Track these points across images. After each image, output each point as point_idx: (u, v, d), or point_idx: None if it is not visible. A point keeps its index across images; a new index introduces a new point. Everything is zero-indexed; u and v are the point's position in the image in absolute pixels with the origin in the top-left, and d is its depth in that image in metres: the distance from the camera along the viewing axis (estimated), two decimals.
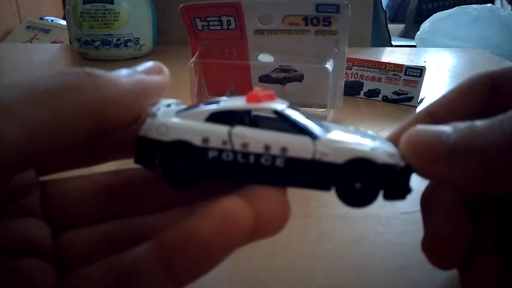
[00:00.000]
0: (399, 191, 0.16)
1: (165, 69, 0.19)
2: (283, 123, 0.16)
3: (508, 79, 0.20)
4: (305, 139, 0.16)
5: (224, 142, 0.16)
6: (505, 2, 1.89)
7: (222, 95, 0.42)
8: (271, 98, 0.17)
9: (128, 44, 0.67)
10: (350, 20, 0.36)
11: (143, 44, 0.69)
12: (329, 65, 0.37)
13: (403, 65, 0.46)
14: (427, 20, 1.66)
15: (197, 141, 0.16)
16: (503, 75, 0.20)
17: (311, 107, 0.41)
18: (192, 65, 0.39)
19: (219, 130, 0.16)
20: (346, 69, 0.44)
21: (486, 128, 0.15)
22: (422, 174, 0.16)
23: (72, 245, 0.18)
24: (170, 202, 0.19)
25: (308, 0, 0.36)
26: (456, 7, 1.61)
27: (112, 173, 0.19)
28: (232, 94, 0.42)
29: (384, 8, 0.99)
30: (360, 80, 0.48)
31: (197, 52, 0.40)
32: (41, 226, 0.17)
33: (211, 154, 0.16)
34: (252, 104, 0.17)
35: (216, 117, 0.17)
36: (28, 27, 1.44)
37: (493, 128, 0.15)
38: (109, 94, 0.15)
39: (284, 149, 0.16)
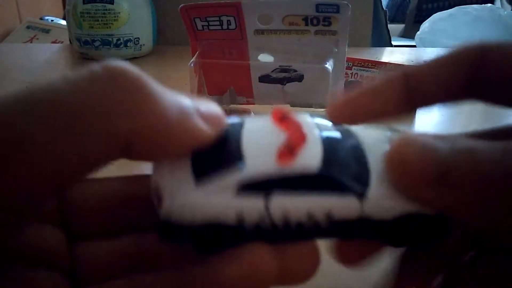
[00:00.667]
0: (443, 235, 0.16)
1: (223, 122, 0.15)
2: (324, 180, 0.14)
3: (501, 55, 0.18)
4: (351, 201, 0.14)
5: (262, 217, 0.14)
6: (505, 2, 1.89)
7: (222, 95, 0.42)
8: (302, 140, 0.14)
9: (128, 44, 0.67)
10: (350, 20, 0.36)
11: (143, 44, 0.69)
12: (329, 65, 0.37)
13: (403, 65, 0.46)
14: (427, 20, 1.66)
15: (231, 221, 0.14)
16: (492, 46, 0.19)
17: (311, 107, 0.41)
18: (192, 65, 0.39)
19: (254, 205, 0.14)
20: (346, 69, 0.44)
21: (487, 156, 0.14)
22: (406, 194, 0.15)
23: (89, 258, 0.16)
24: None
25: (308, 0, 0.36)
26: (456, 7, 1.61)
27: (133, 179, 0.18)
28: (232, 94, 0.42)
29: (384, 8, 0.99)
30: (360, 80, 0.48)
31: (197, 52, 0.40)
32: (56, 234, 0.16)
33: (248, 229, 0.14)
34: (286, 164, 0.14)
35: (247, 187, 0.14)
36: (28, 27, 1.44)
37: (494, 158, 0.14)
38: (144, 126, 0.13)
39: (328, 215, 0.14)
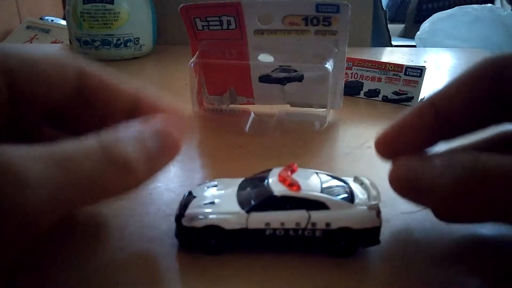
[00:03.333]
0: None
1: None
2: None
3: (510, 66, 0.19)
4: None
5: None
6: (505, 2, 1.89)
7: (222, 95, 0.42)
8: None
9: (128, 44, 0.67)
10: (350, 20, 0.36)
11: (143, 44, 0.69)
12: (329, 65, 0.37)
13: (403, 65, 0.46)
14: (427, 20, 1.65)
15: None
16: (507, 62, 0.19)
17: (311, 107, 0.41)
18: (192, 65, 0.39)
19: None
20: (346, 69, 0.44)
21: (442, 170, 0.18)
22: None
23: None
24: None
25: (308, 0, 0.36)
26: (456, 7, 1.61)
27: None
28: (232, 94, 0.42)
29: (384, 8, 0.99)
30: (360, 80, 0.48)
31: (197, 52, 0.40)
32: None
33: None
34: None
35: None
36: (28, 27, 1.44)
37: (445, 173, 0.18)
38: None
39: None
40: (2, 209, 0.13)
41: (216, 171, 0.32)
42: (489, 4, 1.61)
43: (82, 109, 0.20)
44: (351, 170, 0.31)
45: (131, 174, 0.17)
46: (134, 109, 0.21)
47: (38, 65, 0.18)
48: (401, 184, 0.20)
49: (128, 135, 0.17)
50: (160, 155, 0.18)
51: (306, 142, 0.37)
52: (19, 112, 0.19)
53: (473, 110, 0.20)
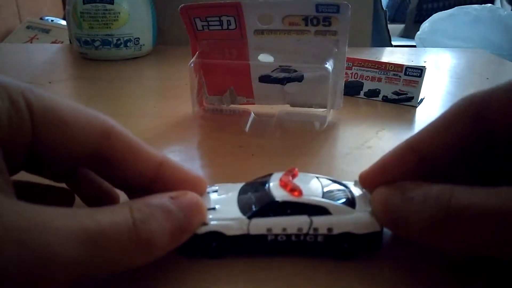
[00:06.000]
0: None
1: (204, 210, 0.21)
2: None
3: (490, 103, 0.19)
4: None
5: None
6: (505, 2, 1.89)
7: (222, 95, 0.42)
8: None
9: (128, 44, 0.67)
10: (350, 20, 0.36)
11: (143, 44, 0.69)
12: (329, 65, 0.37)
13: (403, 65, 0.46)
14: (427, 20, 1.66)
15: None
16: (485, 100, 0.19)
17: (311, 107, 0.41)
18: (192, 65, 0.39)
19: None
20: (346, 69, 0.44)
21: (419, 205, 0.18)
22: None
23: None
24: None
25: (308, 0, 0.36)
26: (456, 7, 1.61)
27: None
28: (232, 94, 0.42)
29: (384, 8, 0.99)
30: (360, 80, 0.48)
31: (197, 52, 0.40)
32: None
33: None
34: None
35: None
36: (28, 27, 1.44)
37: (423, 208, 0.18)
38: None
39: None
40: (30, 276, 0.14)
41: (216, 171, 0.32)
42: (489, 4, 1.61)
43: (104, 165, 0.20)
44: (351, 170, 0.31)
45: (154, 252, 0.17)
46: (157, 173, 0.21)
47: (63, 116, 0.18)
48: (381, 216, 0.20)
49: (157, 212, 0.18)
50: (184, 232, 0.19)
51: (306, 142, 0.37)
52: (41, 154, 0.19)
53: (454, 150, 0.20)
